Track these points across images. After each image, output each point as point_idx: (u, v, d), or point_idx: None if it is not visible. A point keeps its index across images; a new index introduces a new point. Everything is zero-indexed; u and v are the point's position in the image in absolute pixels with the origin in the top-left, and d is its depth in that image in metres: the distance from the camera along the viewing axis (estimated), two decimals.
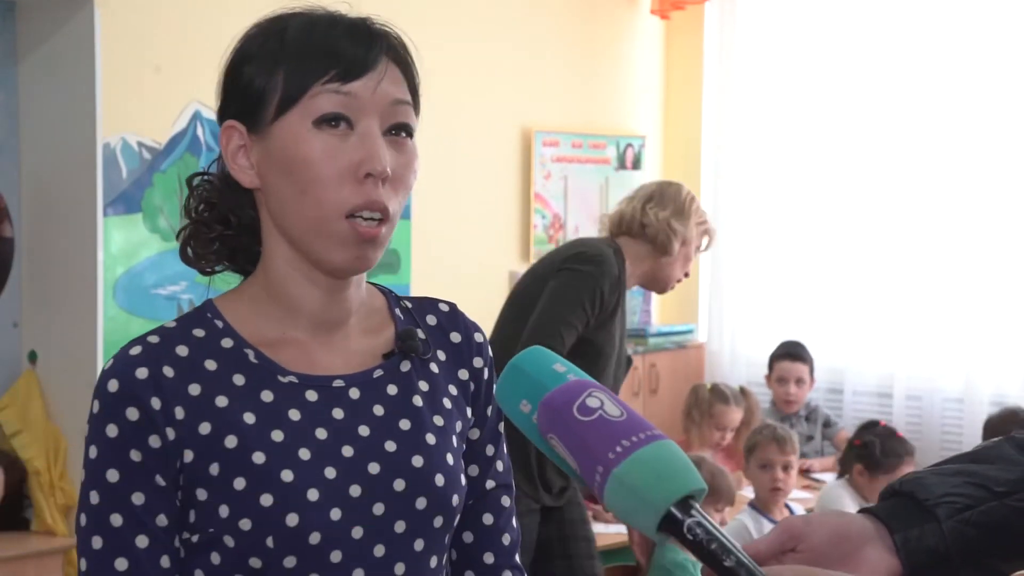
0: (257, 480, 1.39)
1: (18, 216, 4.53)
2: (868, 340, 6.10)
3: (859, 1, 6.12)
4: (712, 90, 6.60)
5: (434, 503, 1.47)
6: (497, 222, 6.00)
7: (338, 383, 1.47)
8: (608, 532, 5.20)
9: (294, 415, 1.44)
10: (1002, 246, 5.72)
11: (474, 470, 1.58)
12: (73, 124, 4.39)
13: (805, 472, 5.50)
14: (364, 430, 1.46)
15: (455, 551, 1.59)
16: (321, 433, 1.44)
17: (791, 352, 5.92)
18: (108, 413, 1.40)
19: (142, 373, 1.40)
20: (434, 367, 1.54)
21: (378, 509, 1.44)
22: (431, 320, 1.58)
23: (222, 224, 1.50)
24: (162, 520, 1.40)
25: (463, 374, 1.57)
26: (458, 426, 1.54)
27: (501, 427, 1.62)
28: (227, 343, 1.46)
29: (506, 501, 1.62)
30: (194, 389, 1.41)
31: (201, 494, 1.40)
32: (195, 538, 1.41)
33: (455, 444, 1.53)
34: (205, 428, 1.40)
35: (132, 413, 1.39)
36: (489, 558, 1.60)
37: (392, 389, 1.50)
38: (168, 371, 1.41)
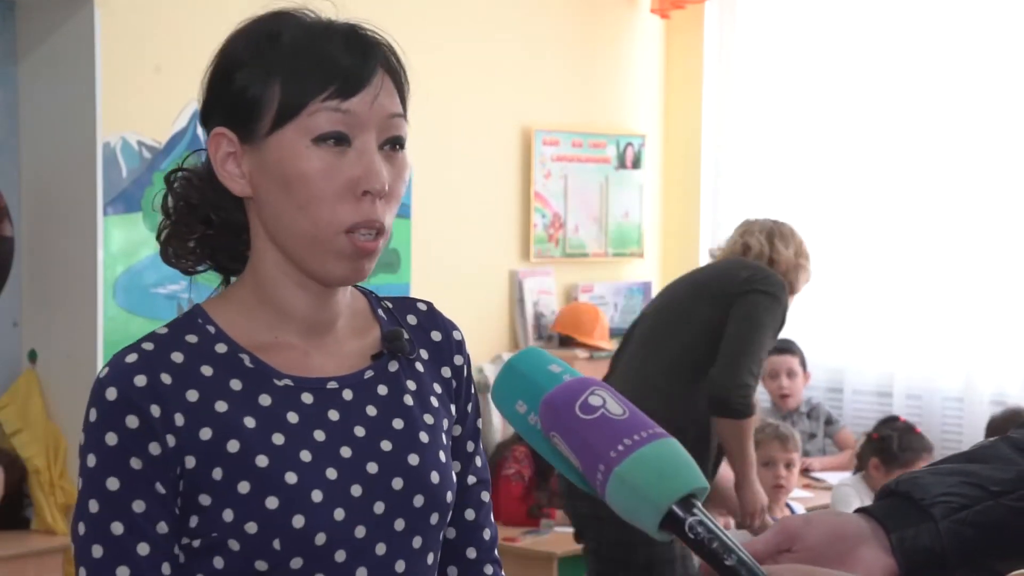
0: (261, 483, 1.40)
1: (18, 215, 4.53)
2: (868, 339, 6.09)
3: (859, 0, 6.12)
4: (712, 89, 6.60)
5: (431, 500, 1.49)
6: (497, 221, 6.00)
7: (332, 385, 1.49)
8: None
9: (292, 418, 1.45)
10: (1002, 245, 5.72)
11: (456, 466, 1.59)
12: (73, 123, 4.39)
13: (805, 471, 5.50)
14: (360, 430, 1.48)
15: None
16: (319, 435, 1.45)
17: (778, 346, 5.92)
18: (107, 421, 1.40)
19: (140, 381, 1.41)
20: (419, 366, 1.56)
21: (379, 508, 1.46)
22: (411, 320, 1.59)
23: (204, 224, 1.50)
24: (162, 527, 1.41)
25: (446, 372, 1.59)
26: (445, 423, 1.56)
27: (480, 423, 1.64)
28: (221, 348, 1.46)
29: (485, 496, 1.64)
30: (192, 395, 1.42)
31: (204, 499, 1.41)
32: (197, 543, 1.42)
33: (444, 441, 1.55)
34: (206, 434, 1.41)
35: (132, 421, 1.40)
36: (472, 553, 1.62)
37: (383, 389, 1.51)
38: (166, 378, 1.42)
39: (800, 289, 4.10)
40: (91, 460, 1.41)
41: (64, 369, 4.47)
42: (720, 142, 6.58)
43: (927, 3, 5.91)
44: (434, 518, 1.50)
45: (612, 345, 6.06)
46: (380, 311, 1.58)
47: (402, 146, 1.46)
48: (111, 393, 1.40)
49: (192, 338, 1.46)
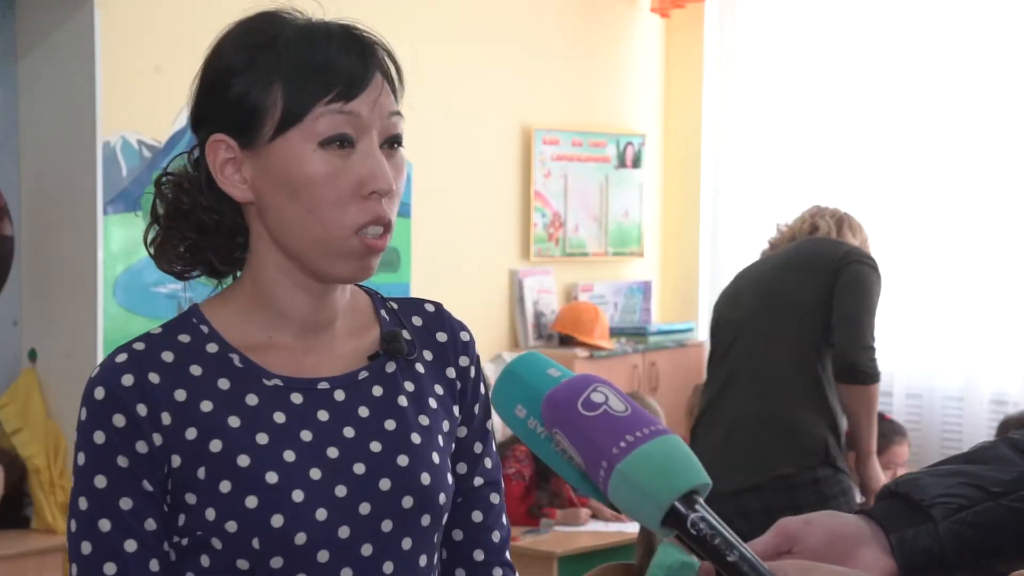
0: (242, 483, 1.41)
1: (18, 214, 4.54)
2: None
3: None
4: (712, 88, 6.60)
5: (420, 501, 1.48)
6: (497, 220, 6.01)
7: (323, 385, 1.48)
8: (608, 531, 5.22)
9: (279, 418, 1.45)
10: (1002, 244, 5.72)
11: (462, 467, 1.58)
12: (73, 123, 4.40)
13: None
14: (349, 431, 1.47)
15: (445, 549, 1.59)
16: (306, 435, 1.45)
17: None
18: (95, 420, 1.42)
19: (128, 380, 1.42)
20: (420, 367, 1.55)
21: (364, 508, 1.45)
22: (417, 321, 1.58)
23: (196, 228, 1.48)
24: (150, 524, 1.42)
25: (450, 372, 1.58)
26: (445, 425, 1.55)
27: (490, 425, 1.63)
28: (212, 348, 1.47)
29: (495, 498, 1.62)
30: (179, 395, 1.43)
31: (190, 498, 1.42)
32: (185, 541, 1.43)
33: (441, 443, 1.53)
34: (191, 433, 1.42)
35: (119, 420, 1.41)
36: (479, 555, 1.60)
37: (377, 390, 1.51)
38: (154, 377, 1.42)
39: None
40: (81, 458, 1.43)
41: (64, 368, 4.47)
42: (720, 140, 6.58)
43: (927, 2, 5.91)
44: (425, 519, 1.49)
45: (612, 344, 6.07)
46: (383, 311, 1.57)
47: (400, 144, 1.47)
48: (99, 392, 1.42)
49: (185, 338, 1.47)
